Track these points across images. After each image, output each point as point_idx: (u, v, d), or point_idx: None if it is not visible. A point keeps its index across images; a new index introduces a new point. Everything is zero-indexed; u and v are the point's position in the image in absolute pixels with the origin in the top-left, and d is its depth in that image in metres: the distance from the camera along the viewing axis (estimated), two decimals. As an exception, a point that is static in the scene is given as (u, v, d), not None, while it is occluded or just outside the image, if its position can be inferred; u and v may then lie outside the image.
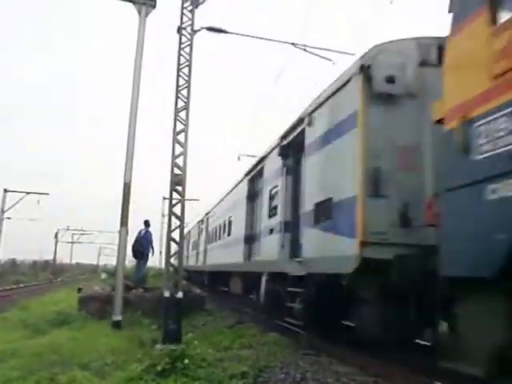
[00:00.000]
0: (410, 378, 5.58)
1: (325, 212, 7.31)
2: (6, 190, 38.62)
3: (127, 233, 10.53)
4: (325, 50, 12.87)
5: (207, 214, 23.53)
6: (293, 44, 12.62)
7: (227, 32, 12.15)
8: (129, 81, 10.91)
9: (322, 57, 12.87)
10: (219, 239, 17.98)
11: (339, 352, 7.18)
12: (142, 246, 13.54)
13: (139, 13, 10.97)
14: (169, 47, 12.12)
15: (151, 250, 14.02)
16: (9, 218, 39.23)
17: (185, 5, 10.42)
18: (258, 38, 13.09)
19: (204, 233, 23.99)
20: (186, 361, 5.98)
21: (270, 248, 10.44)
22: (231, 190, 16.76)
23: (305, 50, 12.78)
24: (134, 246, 13.16)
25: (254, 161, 14.42)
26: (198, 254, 26.15)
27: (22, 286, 36.31)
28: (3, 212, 38.56)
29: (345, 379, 5.51)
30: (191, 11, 10.48)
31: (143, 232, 13.80)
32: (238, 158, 23.28)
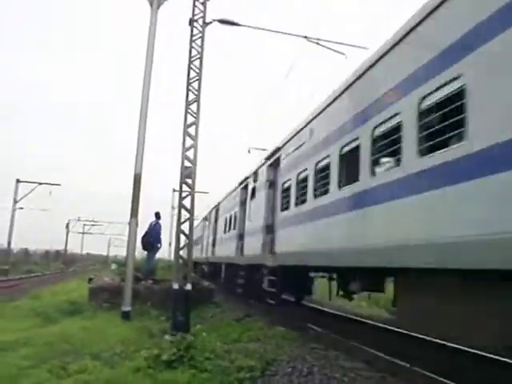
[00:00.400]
0: (415, 373, 5.58)
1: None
2: (18, 181, 39.08)
3: (137, 224, 10.60)
4: (337, 43, 12.72)
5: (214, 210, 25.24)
6: (305, 37, 12.50)
7: (239, 25, 12.08)
8: (137, 73, 10.95)
9: (335, 50, 12.74)
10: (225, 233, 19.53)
11: (346, 347, 7.19)
12: (152, 238, 13.61)
13: (151, 4, 10.96)
14: (179, 40, 12.12)
15: (159, 243, 14.07)
16: (21, 208, 39.78)
17: (196, -3, 10.41)
18: (270, 30, 13.00)
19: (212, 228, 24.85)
20: (194, 352, 6.05)
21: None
22: (232, 191, 18.72)
23: (317, 43, 12.65)
24: (143, 238, 13.24)
25: (243, 175, 16.50)
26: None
27: (33, 275, 36.86)
28: (16, 202, 39.06)
29: (352, 374, 5.52)
30: (203, 3, 10.48)
31: (153, 224, 13.88)
32: (248, 151, 23.16)
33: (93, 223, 64.32)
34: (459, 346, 7.12)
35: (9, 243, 39.33)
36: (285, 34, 12.79)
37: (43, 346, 6.96)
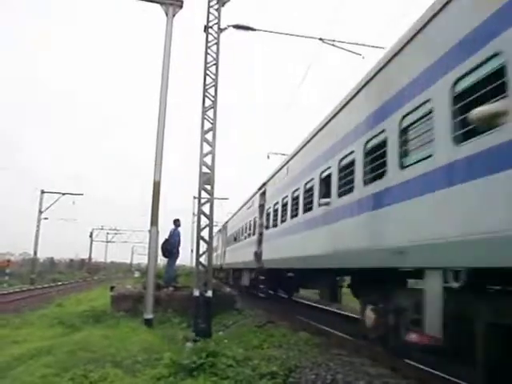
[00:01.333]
0: (443, 382, 5.37)
1: None
2: (42, 192, 40.01)
3: (158, 232, 10.62)
4: (354, 44, 12.60)
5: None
6: (320, 39, 12.42)
7: (254, 29, 12.08)
8: (152, 82, 11.02)
9: (352, 51, 12.61)
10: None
11: (371, 353, 7.00)
12: (171, 245, 13.64)
13: (166, 13, 11.04)
14: (195, 46, 12.19)
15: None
16: (46, 219, 40.59)
17: (211, 3, 10.45)
18: (285, 34, 12.97)
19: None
20: (215, 359, 5.98)
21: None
22: (239, 209, 24.04)
23: (333, 45, 12.56)
24: (163, 245, 13.27)
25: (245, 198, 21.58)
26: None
27: (59, 283, 37.54)
28: (41, 212, 39.93)
29: (377, 382, 5.35)
30: (217, 10, 10.50)
31: (173, 231, 13.91)
32: (268, 157, 23.26)
33: (116, 232, 65.24)
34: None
35: (35, 252, 40.22)
36: (300, 36, 12.72)
37: (66, 354, 7.00)
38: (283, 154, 19.36)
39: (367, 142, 6.85)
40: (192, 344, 7.63)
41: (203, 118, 10.15)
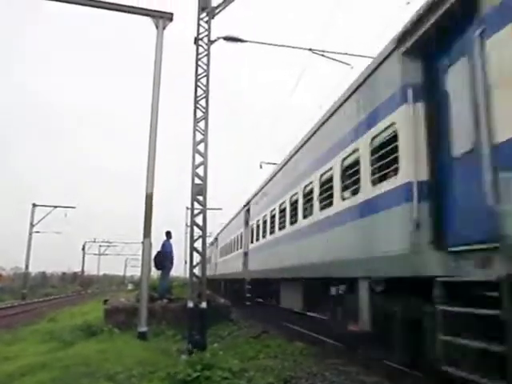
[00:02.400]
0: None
1: None
2: (34, 205, 39.70)
3: (151, 244, 10.58)
4: (343, 54, 12.77)
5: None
6: (310, 50, 12.57)
7: (244, 41, 12.20)
8: (146, 91, 11.02)
9: (341, 61, 12.78)
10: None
11: (366, 362, 7.01)
12: (164, 257, 13.60)
13: (156, 26, 11.11)
14: (185, 58, 12.24)
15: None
16: (37, 232, 40.22)
17: (201, 16, 10.53)
18: (274, 45, 13.11)
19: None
20: (211, 372, 5.94)
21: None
22: (227, 225, 26.43)
23: (323, 55, 12.72)
24: (155, 258, 13.21)
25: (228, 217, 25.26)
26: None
27: (51, 298, 37.13)
28: (32, 226, 39.58)
29: (373, 390, 5.36)
30: (207, 22, 10.58)
31: (165, 243, 13.88)
32: (260, 166, 23.35)
33: (108, 244, 64.73)
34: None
35: (26, 266, 39.74)
36: (289, 47, 12.86)
37: (60, 369, 6.92)
38: (275, 164, 19.44)
39: (321, 175, 8.72)
40: (187, 356, 7.57)
41: (195, 130, 10.17)
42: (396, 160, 5.44)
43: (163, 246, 13.79)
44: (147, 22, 11.19)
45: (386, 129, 5.74)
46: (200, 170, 10.10)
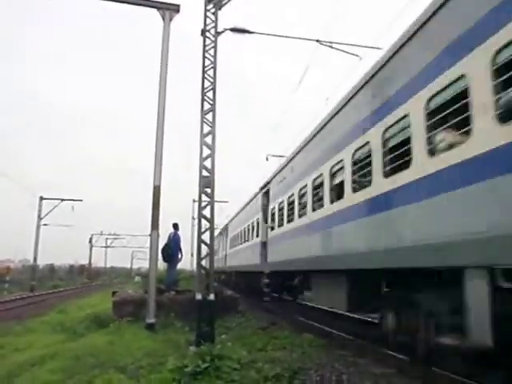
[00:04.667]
0: (451, 382, 5.36)
1: None
2: (41, 198, 39.92)
3: (158, 236, 10.61)
4: (351, 45, 12.63)
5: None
6: (317, 41, 12.45)
7: (251, 32, 12.11)
8: (153, 84, 11.00)
9: (349, 52, 12.65)
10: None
11: (376, 353, 7.00)
12: (172, 249, 13.60)
13: (163, 18, 11.06)
14: (192, 50, 12.16)
15: (180, 253, 14.03)
16: (45, 225, 40.49)
17: (208, 7, 10.45)
18: (282, 36, 13.00)
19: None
20: (220, 363, 5.96)
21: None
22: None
23: (331, 46, 12.59)
24: (163, 250, 13.23)
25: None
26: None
27: (60, 290, 37.47)
28: (40, 219, 39.84)
29: (383, 382, 5.35)
30: (214, 13, 10.49)
31: (172, 235, 13.88)
32: (267, 159, 23.28)
33: (115, 237, 65.15)
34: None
35: (35, 259, 40.07)
36: (297, 38, 12.75)
37: (70, 360, 6.99)
38: (281, 156, 19.38)
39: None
40: (195, 348, 7.60)
41: (202, 122, 10.13)
42: None
43: (170, 237, 13.80)
44: (153, 14, 11.15)
45: None
46: (208, 163, 10.08)
